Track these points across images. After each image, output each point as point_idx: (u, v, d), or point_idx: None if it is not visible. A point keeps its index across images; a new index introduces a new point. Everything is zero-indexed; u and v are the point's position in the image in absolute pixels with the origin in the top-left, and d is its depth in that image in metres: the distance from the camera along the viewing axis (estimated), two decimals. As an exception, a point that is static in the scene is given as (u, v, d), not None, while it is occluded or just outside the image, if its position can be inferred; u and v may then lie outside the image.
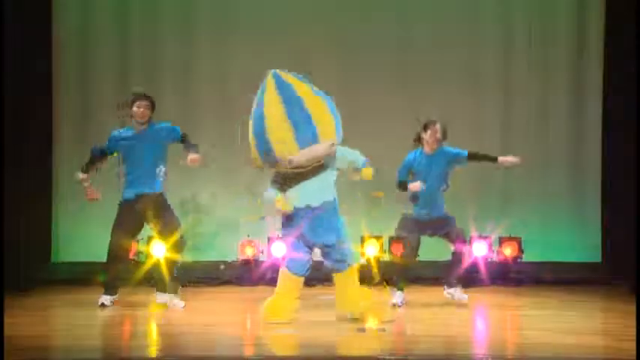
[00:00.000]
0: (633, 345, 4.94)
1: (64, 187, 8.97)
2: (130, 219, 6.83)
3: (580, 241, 9.01)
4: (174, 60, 9.06)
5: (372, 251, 8.59)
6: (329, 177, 5.96)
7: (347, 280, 6.04)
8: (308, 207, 5.89)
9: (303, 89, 5.79)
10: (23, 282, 7.94)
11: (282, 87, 5.75)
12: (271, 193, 5.92)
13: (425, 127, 6.89)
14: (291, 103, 5.70)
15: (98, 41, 9.02)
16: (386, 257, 8.71)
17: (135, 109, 6.78)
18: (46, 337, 5.64)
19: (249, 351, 5.31)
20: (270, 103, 5.72)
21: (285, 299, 5.98)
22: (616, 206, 8.79)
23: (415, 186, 6.73)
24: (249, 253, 8.65)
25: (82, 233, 8.91)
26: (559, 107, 9.09)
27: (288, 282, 5.99)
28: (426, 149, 6.91)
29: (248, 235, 8.68)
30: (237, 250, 8.75)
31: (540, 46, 9.06)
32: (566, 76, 9.11)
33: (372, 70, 8.95)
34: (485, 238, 8.52)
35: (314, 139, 5.70)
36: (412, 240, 6.91)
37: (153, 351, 5.19)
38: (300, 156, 5.69)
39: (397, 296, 6.93)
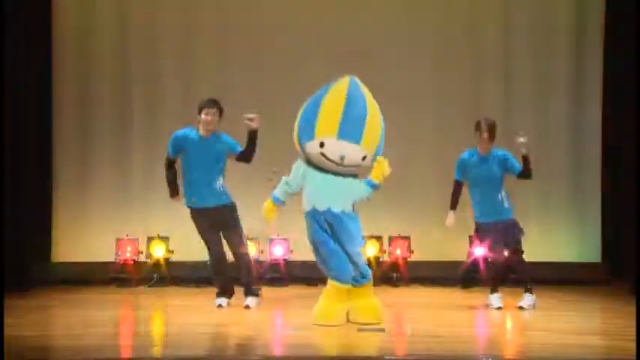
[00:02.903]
0: (633, 345, 4.93)
1: (64, 187, 8.97)
2: (205, 223, 6.76)
3: (580, 241, 9.00)
4: (175, 60, 9.05)
5: (371, 251, 8.56)
6: (346, 185, 5.85)
7: (366, 291, 5.92)
8: (315, 210, 5.81)
9: (372, 103, 5.82)
10: (23, 282, 7.94)
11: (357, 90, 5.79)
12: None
13: (475, 129, 6.76)
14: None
15: (98, 41, 9.01)
16: (386, 257, 8.70)
17: (203, 116, 6.63)
18: (46, 337, 5.63)
19: (249, 351, 5.31)
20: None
21: (333, 303, 5.83)
22: (616, 206, 8.79)
23: (450, 221, 6.89)
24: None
25: (82, 233, 8.91)
26: (559, 107, 9.07)
27: (333, 290, 5.86)
28: (480, 150, 6.81)
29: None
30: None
31: (539, 45, 9.07)
32: (566, 75, 9.09)
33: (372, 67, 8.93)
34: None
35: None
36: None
37: (153, 351, 5.19)
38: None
39: (530, 299, 6.87)
